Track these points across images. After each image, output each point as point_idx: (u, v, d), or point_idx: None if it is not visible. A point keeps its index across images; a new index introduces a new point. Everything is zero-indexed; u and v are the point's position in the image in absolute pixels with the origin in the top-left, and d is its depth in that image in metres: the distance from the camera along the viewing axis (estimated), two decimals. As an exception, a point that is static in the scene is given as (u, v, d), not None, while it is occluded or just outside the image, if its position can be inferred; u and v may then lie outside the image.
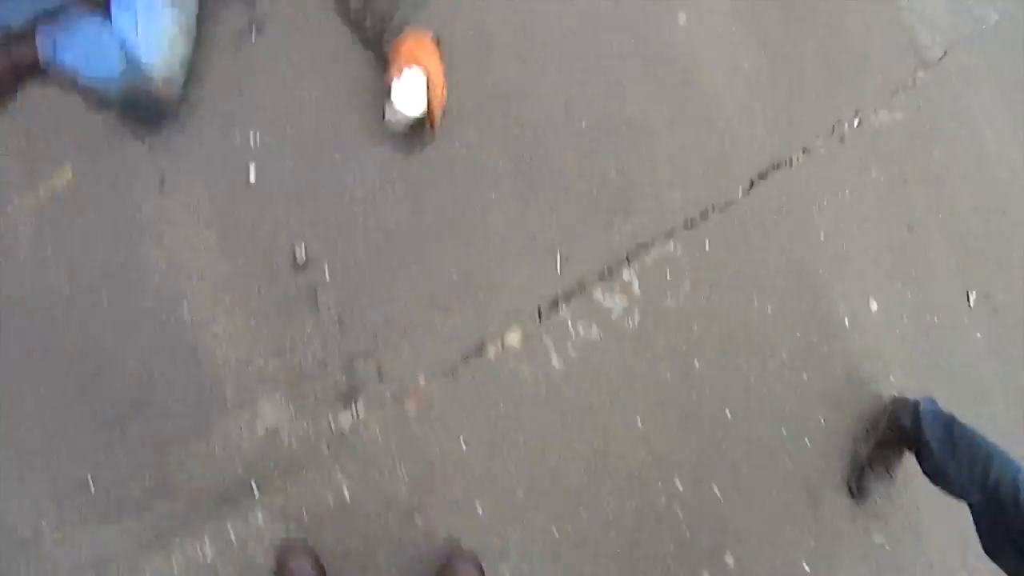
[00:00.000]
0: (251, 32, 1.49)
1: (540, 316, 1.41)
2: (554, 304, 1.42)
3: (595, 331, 1.43)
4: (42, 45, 1.40)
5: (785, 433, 1.52)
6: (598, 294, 1.44)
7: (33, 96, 1.39)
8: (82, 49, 1.39)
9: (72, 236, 1.31)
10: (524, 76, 1.52)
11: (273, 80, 1.44)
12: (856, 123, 1.73)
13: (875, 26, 1.83)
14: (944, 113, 1.84)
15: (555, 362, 1.40)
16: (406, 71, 1.32)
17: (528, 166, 1.48)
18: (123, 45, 1.33)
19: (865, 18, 1.82)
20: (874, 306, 1.65)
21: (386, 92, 1.35)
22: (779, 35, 1.72)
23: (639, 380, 1.44)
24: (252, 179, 1.37)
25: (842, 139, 1.71)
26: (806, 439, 1.54)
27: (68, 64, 1.40)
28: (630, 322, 1.45)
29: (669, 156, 1.57)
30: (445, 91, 1.36)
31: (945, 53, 1.87)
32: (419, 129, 1.39)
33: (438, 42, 1.42)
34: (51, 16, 1.41)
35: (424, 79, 1.32)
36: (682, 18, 1.64)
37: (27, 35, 1.41)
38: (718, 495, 1.46)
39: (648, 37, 1.62)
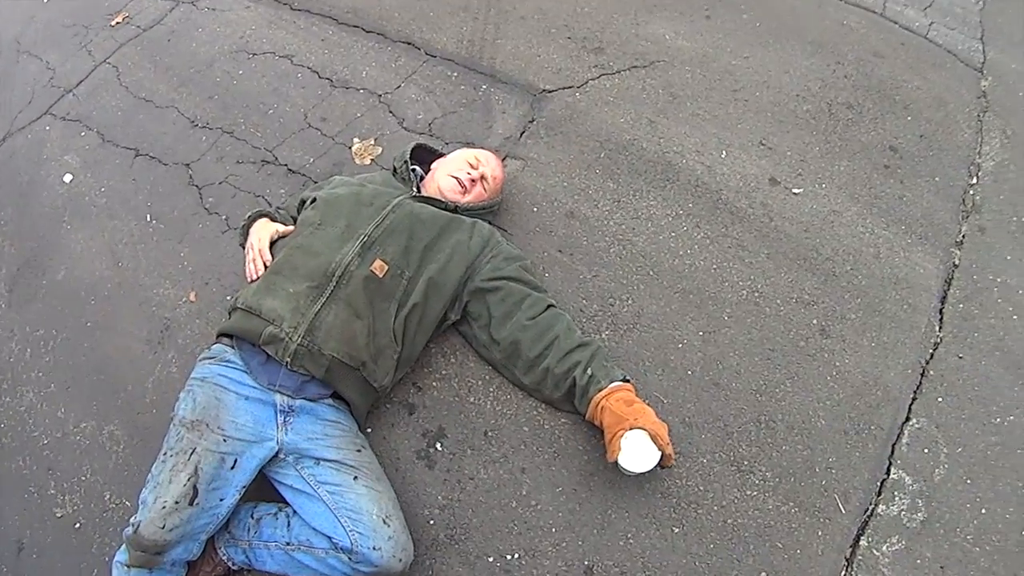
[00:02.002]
0: (433, 444, 1.43)
1: (849, 563, 1.36)
2: (855, 543, 1.38)
3: (897, 544, 1.39)
4: (231, 558, 1.28)
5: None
6: (882, 508, 1.41)
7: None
8: (281, 557, 1.25)
9: None
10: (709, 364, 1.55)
11: (488, 482, 1.41)
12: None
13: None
14: None
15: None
16: (626, 439, 1.26)
17: (771, 434, 1.48)
18: (335, 544, 1.19)
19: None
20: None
21: (613, 463, 1.29)
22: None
23: (956, 560, 1.39)
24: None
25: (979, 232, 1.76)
26: None
27: (272, 568, 1.26)
28: (920, 514, 1.41)
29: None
30: (664, 430, 1.31)
31: None
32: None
33: (631, 385, 1.37)
34: (224, 527, 1.29)
35: (646, 435, 1.26)
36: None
37: (207, 550, 1.28)
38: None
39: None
